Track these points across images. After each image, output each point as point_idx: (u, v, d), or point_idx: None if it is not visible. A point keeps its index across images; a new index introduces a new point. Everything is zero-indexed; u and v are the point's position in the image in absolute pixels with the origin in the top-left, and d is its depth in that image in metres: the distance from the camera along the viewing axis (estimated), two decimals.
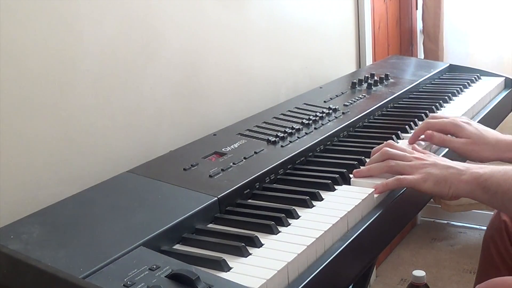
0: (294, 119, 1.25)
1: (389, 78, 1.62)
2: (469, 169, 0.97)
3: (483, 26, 2.35)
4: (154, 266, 0.70)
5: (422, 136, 1.17)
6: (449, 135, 1.15)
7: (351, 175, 1.02)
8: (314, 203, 0.92)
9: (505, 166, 0.97)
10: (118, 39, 1.13)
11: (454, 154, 1.15)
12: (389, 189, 0.98)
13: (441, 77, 1.78)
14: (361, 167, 1.04)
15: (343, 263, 0.84)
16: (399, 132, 1.23)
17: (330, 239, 0.83)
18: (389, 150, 1.03)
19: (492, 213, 1.37)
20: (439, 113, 1.40)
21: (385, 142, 1.08)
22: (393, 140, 1.18)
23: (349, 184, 1.00)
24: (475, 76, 1.72)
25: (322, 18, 1.83)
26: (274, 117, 1.26)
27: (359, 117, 1.30)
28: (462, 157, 1.14)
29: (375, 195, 0.96)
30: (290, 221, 0.86)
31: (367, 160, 1.07)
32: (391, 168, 1.00)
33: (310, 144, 1.12)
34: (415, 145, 1.12)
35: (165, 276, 0.69)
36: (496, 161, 1.13)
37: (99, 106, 1.10)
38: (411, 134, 1.18)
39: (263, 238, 0.81)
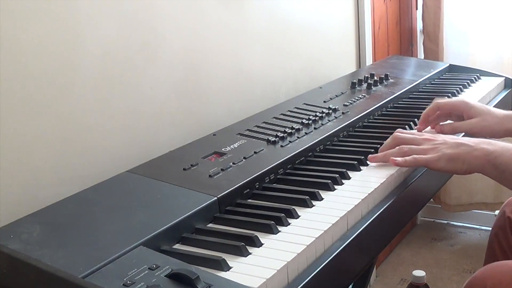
0: (294, 119, 1.25)
1: (389, 78, 1.62)
2: (479, 144, 1.00)
3: (483, 26, 2.35)
4: (154, 266, 0.71)
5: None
6: (455, 122, 1.22)
7: (351, 175, 1.03)
8: (314, 202, 0.92)
9: None
10: (118, 39, 1.13)
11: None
12: (407, 165, 1.03)
13: (441, 77, 1.78)
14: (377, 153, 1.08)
15: (343, 262, 0.84)
16: None
17: (329, 238, 0.83)
18: (400, 135, 1.08)
19: (492, 213, 1.38)
20: None
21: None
22: None
23: (349, 183, 1.01)
24: (475, 76, 1.72)
25: (322, 18, 1.83)
26: (274, 117, 1.26)
27: (359, 117, 1.30)
28: (475, 136, 1.17)
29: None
30: (290, 220, 0.86)
31: (367, 160, 1.08)
32: (405, 154, 1.04)
33: (310, 144, 1.12)
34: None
35: (164, 276, 0.69)
36: (506, 136, 1.19)
37: (99, 106, 1.10)
38: (420, 117, 1.24)
39: (263, 237, 0.81)
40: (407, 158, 1.02)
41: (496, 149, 0.99)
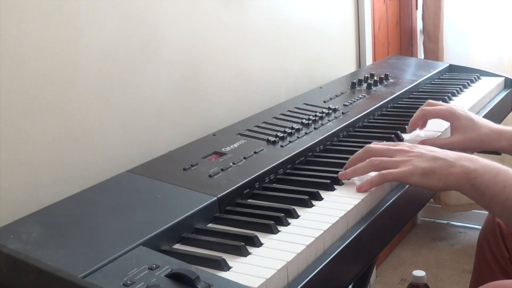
0: (294, 119, 1.25)
1: (389, 78, 1.62)
2: (459, 160, 0.92)
3: (483, 26, 2.35)
4: (154, 266, 0.71)
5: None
6: (437, 139, 1.18)
7: None
8: (314, 202, 0.92)
9: (498, 164, 0.92)
10: (118, 39, 1.13)
11: None
12: (374, 186, 0.95)
13: (441, 77, 1.78)
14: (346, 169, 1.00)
15: (343, 263, 0.84)
16: (399, 132, 1.23)
17: (329, 238, 0.83)
18: (371, 147, 1.00)
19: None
20: None
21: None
22: (393, 140, 1.18)
23: (349, 183, 1.00)
24: (475, 76, 1.72)
25: (322, 18, 1.83)
26: (274, 117, 1.26)
27: (358, 117, 1.30)
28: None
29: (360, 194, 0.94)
30: (290, 220, 0.86)
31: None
32: (376, 167, 0.96)
33: (309, 144, 1.12)
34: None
35: (164, 276, 0.69)
36: (490, 149, 1.14)
37: (99, 105, 1.10)
38: (408, 124, 1.22)
39: (263, 237, 0.81)
40: (372, 177, 0.94)
41: (477, 168, 0.90)
